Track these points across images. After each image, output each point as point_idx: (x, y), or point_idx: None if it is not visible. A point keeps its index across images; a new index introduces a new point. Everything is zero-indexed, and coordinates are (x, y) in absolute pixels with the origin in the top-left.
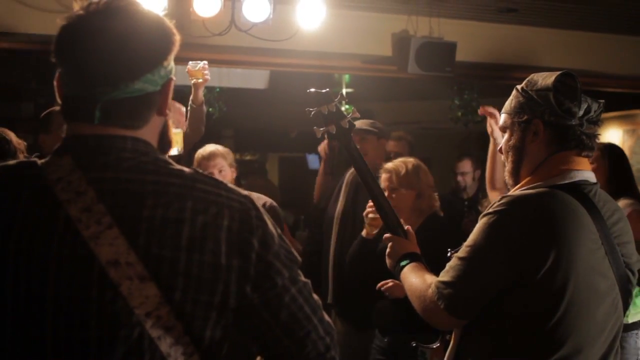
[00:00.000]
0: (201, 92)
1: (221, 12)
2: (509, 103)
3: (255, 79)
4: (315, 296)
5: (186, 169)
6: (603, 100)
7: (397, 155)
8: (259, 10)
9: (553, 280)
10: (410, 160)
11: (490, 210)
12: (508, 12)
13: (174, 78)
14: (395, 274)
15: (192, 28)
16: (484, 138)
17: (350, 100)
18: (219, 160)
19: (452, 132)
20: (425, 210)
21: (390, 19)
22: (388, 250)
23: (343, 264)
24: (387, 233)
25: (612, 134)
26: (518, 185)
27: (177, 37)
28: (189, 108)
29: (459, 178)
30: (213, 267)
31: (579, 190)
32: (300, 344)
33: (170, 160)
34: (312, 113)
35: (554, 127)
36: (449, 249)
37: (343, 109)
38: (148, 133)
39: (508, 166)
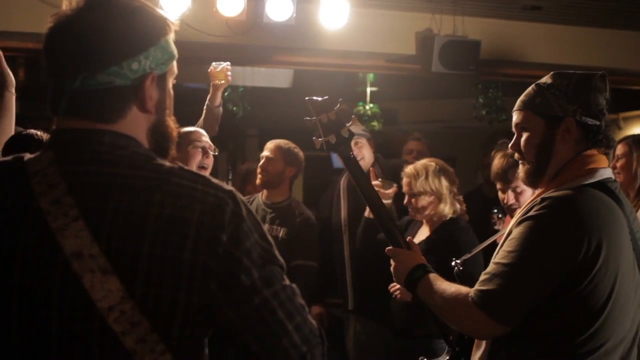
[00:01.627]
0: (220, 94)
1: (244, 11)
2: (531, 100)
3: (279, 78)
4: (298, 301)
5: (167, 164)
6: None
7: (419, 154)
8: (282, 9)
9: (605, 277)
10: (432, 164)
11: (533, 213)
12: (532, 10)
13: (156, 74)
14: (408, 287)
15: (215, 27)
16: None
17: (374, 99)
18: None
19: (477, 130)
20: (445, 215)
21: (414, 18)
22: (394, 264)
23: (359, 268)
24: (388, 246)
25: (637, 132)
26: (543, 185)
27: (164, 34)
28: (205, 108)
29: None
30: (176, 262)
31: (608, 188)
32: (269, 351)
33: (153, 155)
34: (311, 123)
35: (584, 126)
36: (453, 259)
37: (368, 107)
38: (131, 128)
39: (529, 165)
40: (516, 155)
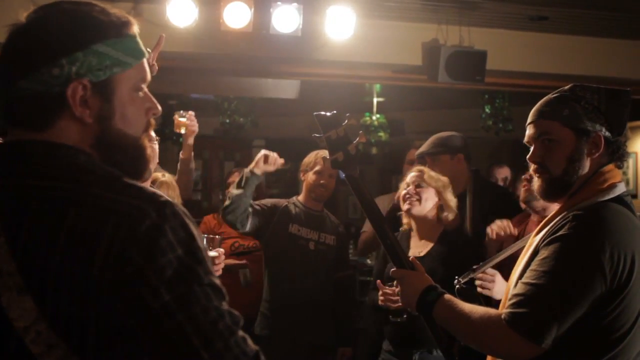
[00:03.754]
0: (189, 144)
1: (251, 23)
2: (558, 111)
3: (285, 89)
4: (224, 324)
5: (106, 176)
6: None
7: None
8: (288, 21)
9: (637, 292)
10: (444, 178)
11: (565, 232)
12: (538, 20)
13: (89, 80)
14: (421, 310)
15: (222, 39)
16: (516, 146)
17: (380, 109)
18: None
19: (484, 140)
20: (446, 217)
21: (420, 28)
22: (401, 287)
23: None
24: (393, 267)
25: None
26: (562, 200)
27: (101, 38)
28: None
29: (501, 184)
30: (83, 279)
31: (625, 202)
32: None
33: (94, 167)
34: (320, 140)
35: (609, 142)
36: (456, 277)
37: (374, 118)
38: (68, 137)
39: (554, 178)
40: (533, 168)
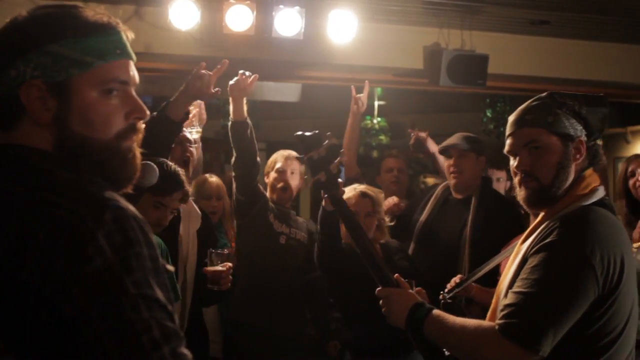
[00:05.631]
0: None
1: (253, 26)
2: (542, 118)
3: (287, 92)
4: (147, 338)
5: (53, 178)
6: None
7: (400, 171)
8: (290, 24)
9: (628, 292)
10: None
11: (553, 238)
12: (540, 24)
13: (44, 81)
14: (410, 327)
15: (224, 42)
16: None
17: (382, 112)
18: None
19: (484, 144)
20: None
21: (421, 32)
22: (387, 306)
23: None
24: (378, 286)
25: None
26: (547, 207)
27: (57, 37)
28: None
29: (495, 184)
30: (13, 287)
31: (608, 205)
32: None
33: (45, 170)
34: (302, 160)
35: (589, 147)
36: (441, 292)
37: (375, 121)
38: (29, 139)
39: (542, 186)
40: (519, 178)
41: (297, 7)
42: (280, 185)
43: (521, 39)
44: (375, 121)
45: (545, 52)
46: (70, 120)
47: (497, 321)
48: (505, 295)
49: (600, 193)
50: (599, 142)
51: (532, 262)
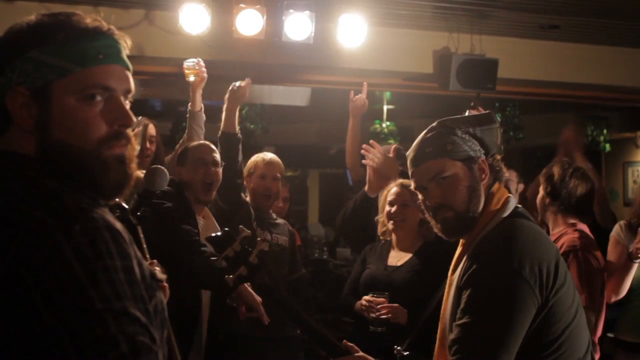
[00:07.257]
0: (199, 94)
1: (263, 30)
2: (441, 148)
3: (296, 96)
4: (113, 355)
5: (31, 186)
6: None
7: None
8: (300, 28)
9: (568, 291)
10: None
11: (480, 261)
12: (550, 29)
13: (26, 88)
14: None
15: (234, 46)
16: (525, 154)
17: (390, 116)
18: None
19: None
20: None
21: (431, 36)
22: None
23: None
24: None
25: None
26: (466, 233)
27: (38, 45)
28: (187, 115)
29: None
30: None
31: (523, 214)
32: None
33: (25, 176)
34: (220, 262)
35: (490, 164)
36: (395, 346)
37: (384, 125)
38: (20, 145)
39: (460, 213)
40: (431, 213)
41: (307, 12)
42: (263, 192)
43: (531, 43)
44: (384, 125)
45: (555, 57)
46: (51, 127)
47: (451, 358)
48: (450, 329)
49: (513, 203)
50: (498, 156)
51: (467, 290)
